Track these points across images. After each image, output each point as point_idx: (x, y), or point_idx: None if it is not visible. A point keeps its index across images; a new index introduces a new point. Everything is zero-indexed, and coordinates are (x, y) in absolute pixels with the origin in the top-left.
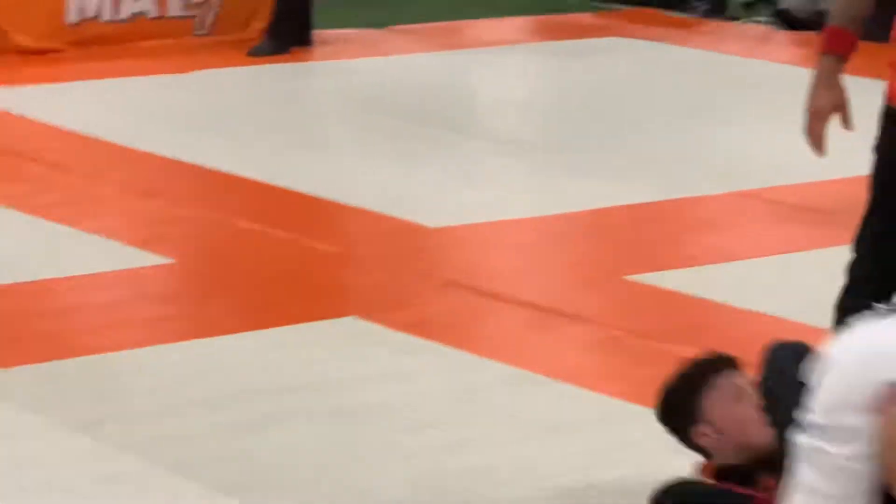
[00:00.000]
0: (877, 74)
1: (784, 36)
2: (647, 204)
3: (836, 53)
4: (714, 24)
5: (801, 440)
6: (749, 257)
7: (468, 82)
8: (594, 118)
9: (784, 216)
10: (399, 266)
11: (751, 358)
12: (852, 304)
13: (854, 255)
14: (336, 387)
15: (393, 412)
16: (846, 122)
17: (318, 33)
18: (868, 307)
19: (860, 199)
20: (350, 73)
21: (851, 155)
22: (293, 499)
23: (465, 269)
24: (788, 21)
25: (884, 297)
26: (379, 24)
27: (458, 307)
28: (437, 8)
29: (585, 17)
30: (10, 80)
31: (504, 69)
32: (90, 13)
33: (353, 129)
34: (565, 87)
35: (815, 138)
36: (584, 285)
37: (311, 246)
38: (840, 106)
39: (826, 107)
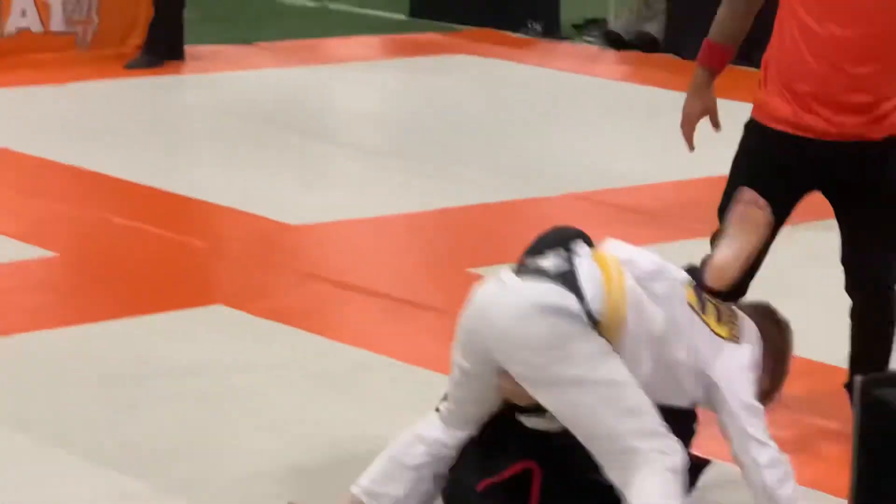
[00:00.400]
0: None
1: (611, 55)
2: (488, 204)
3: (710, 66)
4: (548, 44)
5: None
6: None
7: (326, 95)
8: (440, 128)
9: (611, 216)
10: (262, 260)
11: None
12: None
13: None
14: (201, 370)
15: (254, 395)
16: (715, 125)
17: (189, 48)
18: None
19: (677, 201)
20: (218, 85)
21: (670, 163)
22: (156, 471)
23: (322, 263)
24: (615, 41)
25: None
26: (245, 40)
27: (316, 297)
28: (299, 27)
29: (433, 36)
30: None
31: (359, 83)
32: None
33: (221, 136)
34: (414, 100)
35: (687, 137)
36: (431, 277)
37: (182, 241)
38: (709, 111)
39: (696, 112)
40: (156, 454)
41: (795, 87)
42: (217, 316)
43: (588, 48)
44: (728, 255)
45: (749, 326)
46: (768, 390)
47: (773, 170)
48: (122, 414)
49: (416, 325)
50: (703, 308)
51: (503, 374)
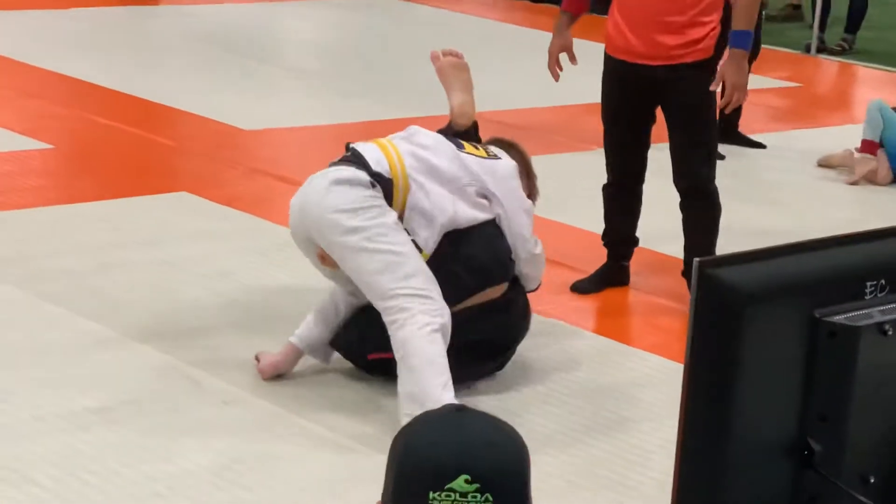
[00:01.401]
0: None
1: (508, 4)
2: (399, 119)
3: (569, 11)
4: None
5: None
6: None
7: (276, 26)
8: (364, 57)
9: (497, 132)
10: (219, 156)
11: None
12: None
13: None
14: (165, 241)
15: (204, 261)
16: (571, 60)
17: None
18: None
19: (551, 121)
20: (190, 15)
21: (548, 92)
22: (127, 320)
23: (267, 161)
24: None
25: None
26: None
27: (261, 187)
28: None
29: None
30: None
31: (302, 17)
32: None
33: (189, 56)
34: (346, 33)
35: (551, 70)
36: None
37: (153, 139)
38: (566, 48)
39: (555, 49)
40: (123, 305)
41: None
42: (181, 200)
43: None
44: (461, 97)
45: (499, 151)
46: (529, 194)
47: (620, 92)
48: (99, 274)
49: None
50: (460, 147)
51: (323, 257)
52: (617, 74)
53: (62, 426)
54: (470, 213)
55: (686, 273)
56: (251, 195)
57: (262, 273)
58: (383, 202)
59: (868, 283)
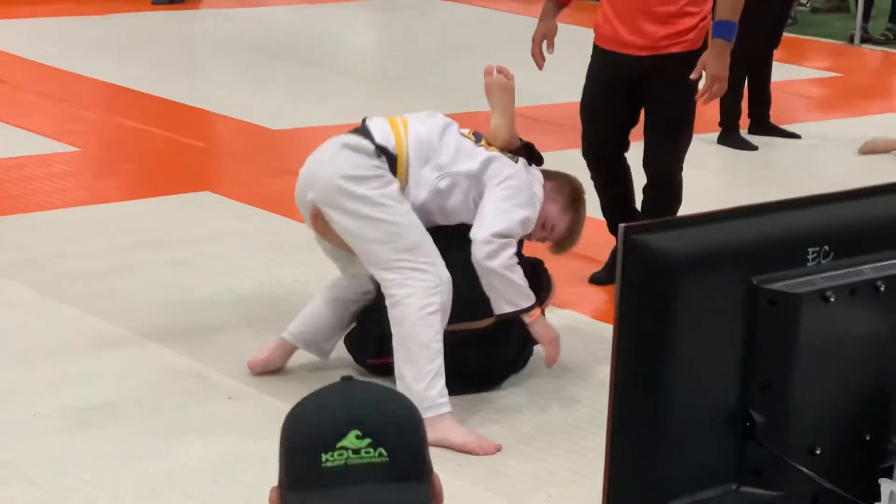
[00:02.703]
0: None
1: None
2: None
3: (555, 1)
4: None
5: None
6: None
7: (316, 29)
8: (405, 56)
9: (530, 126)
10: (245, 157)
11: None
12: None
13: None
14: (187, 240)
15: (220, 259)
16: (550, 47)
17: None
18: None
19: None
20: (229, 19)
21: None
22: (138, 318)
23: (293, 160)
24: None
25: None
26: None
27: (285, 187)
28: None
29: None
30: None
31: (346, 19)
32: None
33: (226, 60)
34: (387, 34)
35: (535, 57)
36: None
37: (182, 141)
38: (549, 35)
39: (540, 35)
40: (136, 304)
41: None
42: (205, 200)
43: None
44: (496, 121)
45: (528, 167)
46: (561, 222)
47: (605, 82)
48: (114, 274)
49: None
50: (477, 140)
51: (316, 217)
52: (605, 65)
53: (62, 425)
54: (461, 211)
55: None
56: (276, 194)
57: (279, 271)
58: (388, 172)
59: (810, 250)
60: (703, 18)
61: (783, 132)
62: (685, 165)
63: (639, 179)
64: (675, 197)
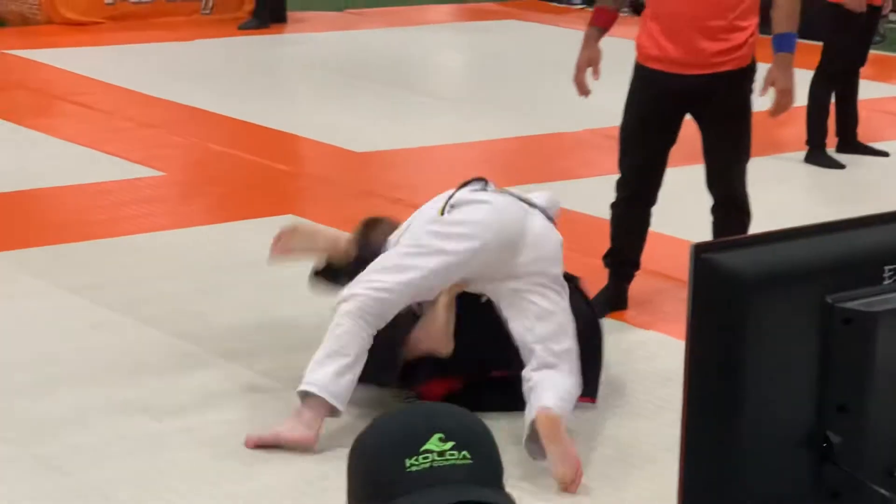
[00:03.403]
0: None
1: (633, 20)
2: (519, 137)
3: (598, 26)
4: (585, 11)
5: None
6: (593, 175)
7: (402, 51)
8: (492, 77)
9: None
10: (330, 179)
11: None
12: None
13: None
14: (265, 264)
15: (303, 281)
16: (595, 73)
17: (291, 14)
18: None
19: None
20: (314, 43)
21: None
22: (221, 341)
23: (378, 182)
24: (637, 8)
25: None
26: (338, 7)
27: (370, 209)
28: None
29: (491, 6)
30: (58, 44)
31: (431, 42)
32: None
33: (312, 83)
34: (472, 55)
35: (578, 83)
36: None
37: (267, 164)
38: (594, 61)
39: (583, 62)
40: (219, 327)
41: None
42: (287, 223)
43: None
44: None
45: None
46: None
47: (653, 104)
48: (198, 297)
49: None
50: None
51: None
52: (651, 85)
53: (148, 446)
54: None
55: None
56: (361, 216)
57: None
58: None
59: (886, 268)
60: (752, 34)
61: (871, 150)
62: (770, 185)
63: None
64: (748, 213)
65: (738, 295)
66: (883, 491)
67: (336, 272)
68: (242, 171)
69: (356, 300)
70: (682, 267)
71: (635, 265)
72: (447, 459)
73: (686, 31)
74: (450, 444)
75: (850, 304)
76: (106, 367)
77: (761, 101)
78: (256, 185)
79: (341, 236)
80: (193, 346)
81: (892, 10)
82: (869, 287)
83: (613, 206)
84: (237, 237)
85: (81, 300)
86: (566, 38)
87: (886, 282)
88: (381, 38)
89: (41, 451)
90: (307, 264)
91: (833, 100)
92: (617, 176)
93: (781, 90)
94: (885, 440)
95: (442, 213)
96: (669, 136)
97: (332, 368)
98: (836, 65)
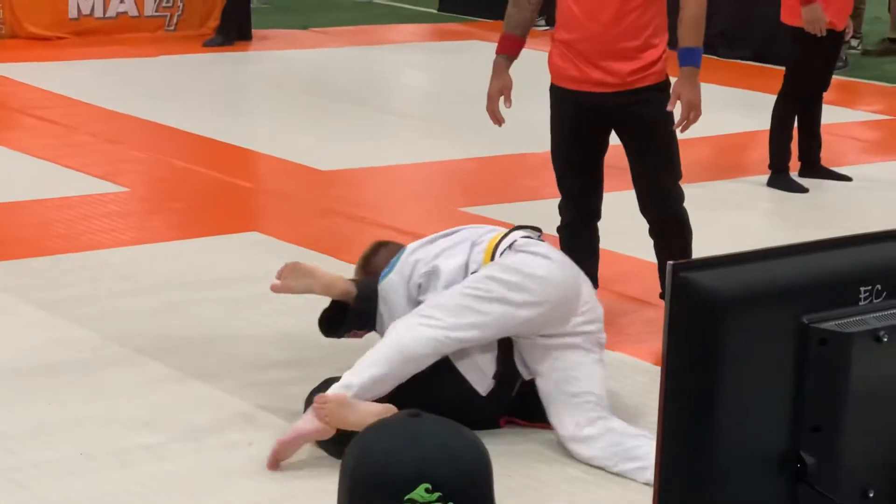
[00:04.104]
0: None
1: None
2: (479, 158)
3: (507, 54)
4: (549, 33)
5: None
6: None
7: (365, 70)
8: (453, 96)
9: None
10: (293, 197)
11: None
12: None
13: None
14: (235, 281)
15: (268, 300)
16: (507, 102)
17: (256, 31)
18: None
19: None
20: (279, 60)
21: None
22: (186, 357)
23: (342, 200)
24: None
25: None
26: (303, 26)
27: (334, 227)
28: (348, 17)
29: (455, 26)
30: (21, 58)
31: (396, 61)
32: (86, 11)
33: (275, 101)
34: (436, 75)
35: (491, 113)
36: (429, 214)
37: (231, 181)
38: (505, 89)
39: (496, 91)
40: (184, 344)
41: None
42: (252, 240)
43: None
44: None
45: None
46: None
47: (574, 123)
48: (163, 313)
49: None
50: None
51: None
52: (569, 104)
53: (110, 463)
54: None
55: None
56: (325, 235)
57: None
58: None
59: (862, 289)
60: (664, 50)
61: (834, 174)
62: (733, 209)
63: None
64: (689, 229)
65: (716, 313)
66: None
67: (342, 312)
68: (206, 188)
69: (440, 331)
70: (642, 287)
71: (594, 284)
72: None
73: (601, 55)
74: (435, 496)
75: (825, 325)
76: (67, 382)
77: (729, 124)
78: (220, 202)
79: (338, 281)
80: (156, 362)
81: (853, 37)
82: (845, 308)
83: (560, 229)
84: (200, 254)
85: (43, 315)
86: (530, 59)
87: (862, 303)
88: (345, 57)
89: (0, 465)
90: (267, 282)
91: (796, 124)
92: None
93: (688, 102)
94: (859, 461)
95: (492, 258)
96: (598, 148)
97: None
98: (800, 88)
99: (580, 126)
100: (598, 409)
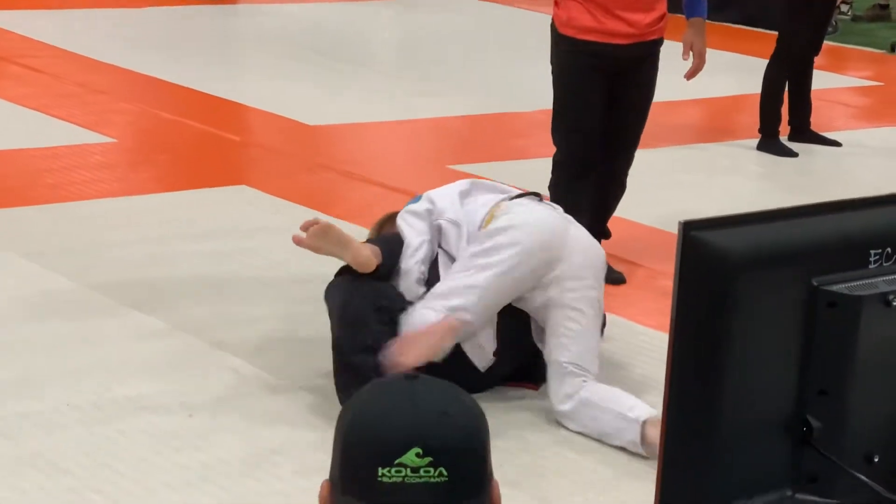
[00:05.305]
0: None
1: None
2: (467, 116)
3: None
4: None
5: None
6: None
7: (349, 25)
8: (437, 54)
9: None
10: (283, 151)
11: None
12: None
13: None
14: (223, 234)
15: (255, 253)
16: None
17: None
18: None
19: None
20: (268, 14)
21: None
22: (172, 310)
23: (331, 156)
24: None
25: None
26: None
27: (323, 183)
28: None
29: None
30: (6, 6)
31: (386, 17)
32: None
33: (264, 54)
34: (419, 32)
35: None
36: (418, 171)
37: (219, 134)
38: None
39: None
40: (171, 296)
41: None
42: (241, 194)
43: None
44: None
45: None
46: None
47: (591, 74)
48: (149, 265)
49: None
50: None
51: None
52: (585, 55)
53: (97, 415)
54: None
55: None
56: (312, 189)
57: (313, 265)
58: None
59: (872, 252)
60: (665, 5)
61: (823, 139)
62: (722, 172)
63: None
64: (624, 189)
65: (725, 273)
66: (861, 476)
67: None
68: (194, 141)
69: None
70: (642, 250)
71: (604, 234)
72: (420, 476)
73: (624, 5)
74: (427, 461)
75: (835, 287)
76: (55, 333)
77: (720, 88)
78: (208, 155)
79: (370, 260)
80: (145, 315)
81: (843, 2)
82: (855, 270)
83: (556, 185)
84: (188, 206)
85: (30, 265)
86: (517, 18)
87: (872, 266)
88: (337, 12)
89: None
90: (255, 235)
91: (787, 88)
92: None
93: (700, 53)
94: (864, 425)
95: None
96: (603, 103)
97: None
98: (792, 52)
99: (593, 77)
100: (577, 380)
